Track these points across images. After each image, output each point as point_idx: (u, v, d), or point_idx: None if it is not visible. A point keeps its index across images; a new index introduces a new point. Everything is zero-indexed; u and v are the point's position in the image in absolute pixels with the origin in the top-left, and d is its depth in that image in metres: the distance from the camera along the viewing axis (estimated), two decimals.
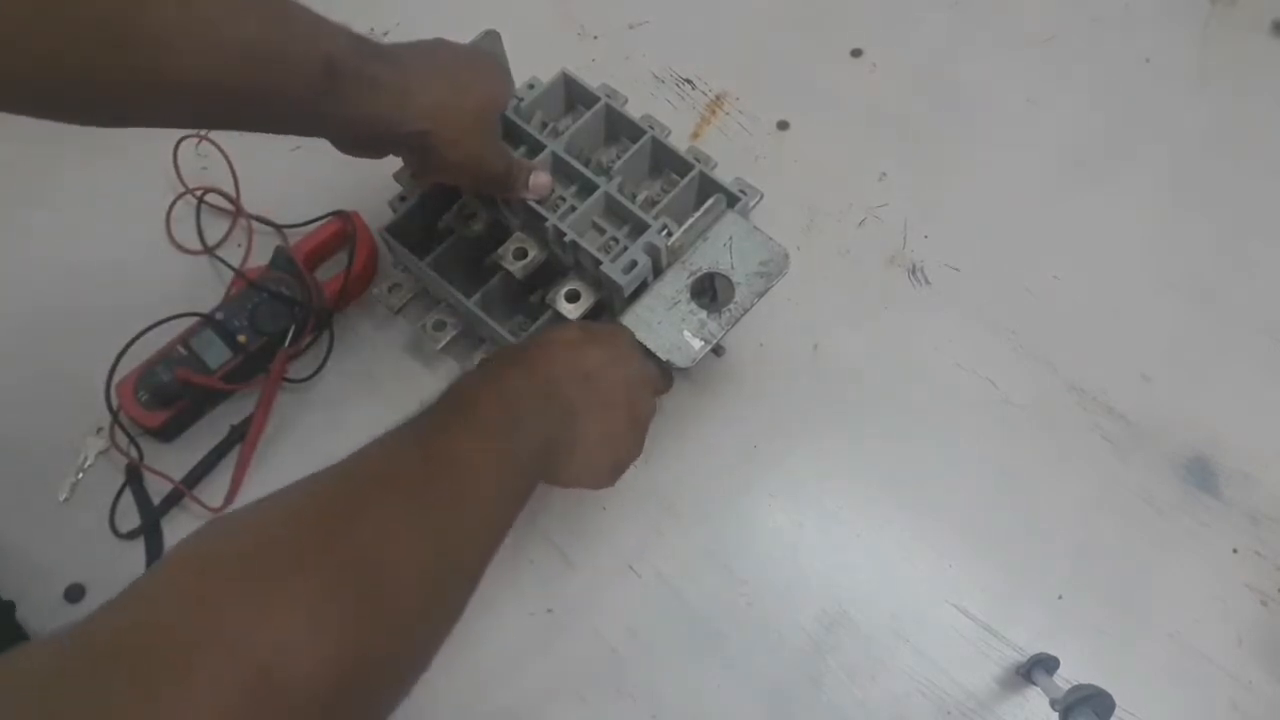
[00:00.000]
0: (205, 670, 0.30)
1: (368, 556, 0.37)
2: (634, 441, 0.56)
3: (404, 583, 0.38)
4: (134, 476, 0.66)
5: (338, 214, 0.73)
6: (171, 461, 0.67)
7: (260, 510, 0.37)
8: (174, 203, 0.75)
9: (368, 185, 0.72)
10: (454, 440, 0.45)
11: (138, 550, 0.64)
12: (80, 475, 0.67)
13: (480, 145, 0.56)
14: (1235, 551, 0.64)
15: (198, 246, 0.74)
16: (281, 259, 0.70)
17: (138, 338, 0.67)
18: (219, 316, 0.68)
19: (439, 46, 0.57)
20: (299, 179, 0.76)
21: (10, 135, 0.80)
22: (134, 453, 0.66)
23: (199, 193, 0.75)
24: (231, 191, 0.75)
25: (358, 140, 0.56)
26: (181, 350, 0.67)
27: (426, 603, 0.40)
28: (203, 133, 0.77)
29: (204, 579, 0.34)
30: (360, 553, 0.37)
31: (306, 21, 0.48)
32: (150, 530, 0.65)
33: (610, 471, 0.55)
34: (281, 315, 0.68)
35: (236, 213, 0.74)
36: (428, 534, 0.41)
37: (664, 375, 0.61)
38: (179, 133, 0.75)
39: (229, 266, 0.71)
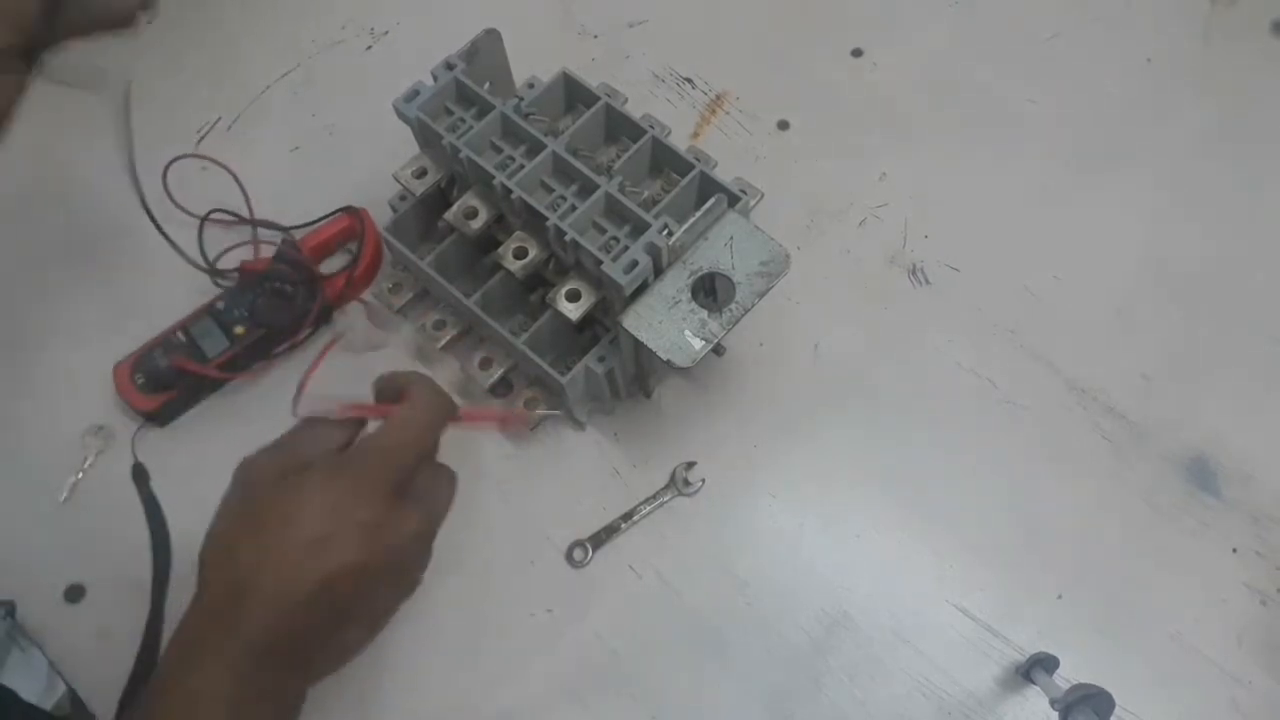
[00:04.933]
0: None
1: None
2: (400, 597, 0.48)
3: None
4: (140, 476, 0.66)
5: (347, 210, 0.73)
6: (164, 445, 0.67)
7: None
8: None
9: (367, 185, 0.72)
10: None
11: (138, 549, 0.64)
12: (80, 475, 0.67)
13: None
14: (1235, 551, 0.64)
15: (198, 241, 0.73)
16: (287, 248, 0.70)
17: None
18: (219, 306, 0.68)
19: None
20: (297, 179, 0.76)
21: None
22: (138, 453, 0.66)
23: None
24: (235, 207, 0.75)
25: None
26: (180, 337, 0.67)
27: None
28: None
29: None
30: None
31: None
32: (155, 528, 0.64)
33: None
34: (281, 308, 0.68)
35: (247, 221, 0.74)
36: None
37: (433, 507, 0.48)
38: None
39: (219, 278, 0.70)
